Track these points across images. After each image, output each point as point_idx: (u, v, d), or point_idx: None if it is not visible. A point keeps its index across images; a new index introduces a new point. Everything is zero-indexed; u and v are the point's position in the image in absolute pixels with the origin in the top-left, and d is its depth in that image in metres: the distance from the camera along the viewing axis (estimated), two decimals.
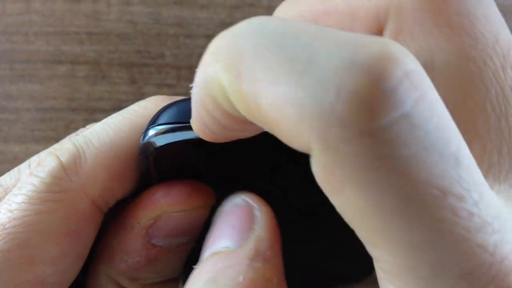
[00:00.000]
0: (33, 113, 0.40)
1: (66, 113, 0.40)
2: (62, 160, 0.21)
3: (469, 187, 0.13)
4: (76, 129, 0.40)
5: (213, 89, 0.15)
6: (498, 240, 0.13)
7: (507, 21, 0.17)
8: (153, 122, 0.20)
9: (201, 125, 0.17)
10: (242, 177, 0.23)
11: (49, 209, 0.20)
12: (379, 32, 0.17)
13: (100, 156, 0.21)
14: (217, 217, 0.20)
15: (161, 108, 0.21)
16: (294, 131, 0.13)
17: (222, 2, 0.40)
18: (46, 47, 0.40)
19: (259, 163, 0.20)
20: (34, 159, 0.23)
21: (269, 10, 0.41)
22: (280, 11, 0.20)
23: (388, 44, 0.13)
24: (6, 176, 0.23)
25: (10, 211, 0.20)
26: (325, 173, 0.13)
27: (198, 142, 0.19)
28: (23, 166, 0.23)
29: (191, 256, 0.24)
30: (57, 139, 0.40)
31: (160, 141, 0.20)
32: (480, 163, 0.15)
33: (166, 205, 0.21)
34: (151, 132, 0.20)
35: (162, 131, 0.20)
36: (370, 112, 0.12)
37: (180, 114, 0.20)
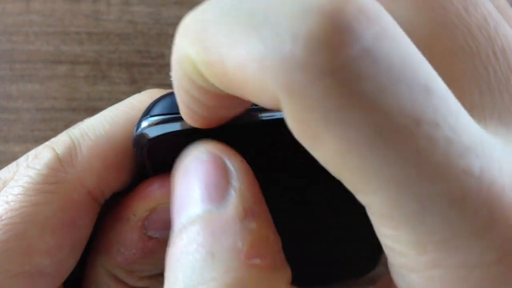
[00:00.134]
0: (33, 113, 0.40)
1: (66, 113, 0.40)
2: (58, 152, 0.21)
3: (444, 114, 0.13)
4: None
5: (186, 67, 0.16)
6: (484, 164, 0.13)
7: None
8: (146, 113, 0.20)
9: (186, 110, 0.17)
10: None
11: (46, 200, 0.20)
12: None
13: (96, 148, 0.21)
14: (178, 177, 0.18)
15: (155, 100, 0.21)
16: (260, 87, 0.13)
17: None
18: (46, 47, 0.40)
19: (255, 154, 0.20)
20: (32, 153, 0.23)
21: None
22: None
23: None
24: (5, 170, 0.23)
25: (7, 202, 0.20)
26: (297, 124, 0.13)
27: (191, 133, 0.19)
28: (21, 159, 0.23)
29: None
30: None
31: (153, 132, 0.20)
32: (462, 105, 0.14)
33: (161, 197, 0.22)
34: (144, 123, 0.20)
35: (155, 122, 0.20)
36: (328, 51, 0.12)
37: (173, 105, 0.20)
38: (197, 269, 0.15)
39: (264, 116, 0.20)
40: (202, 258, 0.16)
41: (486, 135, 0.14)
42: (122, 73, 0.41)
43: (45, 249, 0.20)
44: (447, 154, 0.13)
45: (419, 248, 0.13)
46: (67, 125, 0.39)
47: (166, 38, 0.41)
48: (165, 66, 0.41)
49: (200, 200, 0.17)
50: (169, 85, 0.41)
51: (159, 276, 0.23)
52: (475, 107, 0.15)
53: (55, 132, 0.40)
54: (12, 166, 0.23)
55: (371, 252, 0.28)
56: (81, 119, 0.40)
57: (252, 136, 0.20)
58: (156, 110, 0.20)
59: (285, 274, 0.16)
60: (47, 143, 0.22)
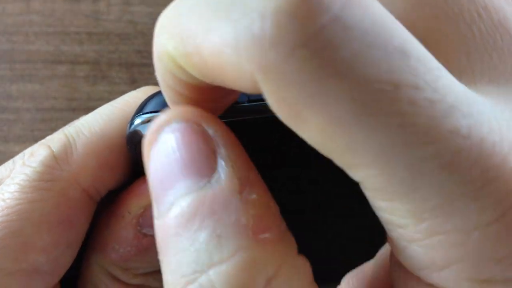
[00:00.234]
0: (33, 113, 0.40)
1: (66, 113, 0.40)
2: (54, 149, 0.21)
3: (424, 75, 0.13)
4: None
5: (166, 63, 0.16)
6: (472, 122, 0.13)
7: None
8: (139, 111, 0.20)
9: (173, 106, 0.17)
10: None
11: (41, 197, 0.20)
12: None
13: (91, 146, 0.21)
14: (154, 152, 0.16)
15: (148, 97, 0.21)
16: (238, 72, 0.13)
17: None
18: (46, 47, 0.41)
19: (250, 152, 0.20)
20: (28, 151, 0.23)
21: None
22: None
23: None
24: (1, 168, 0.23)
25: (3, 200, 0.20)
26: (279, 104, 0.13)
27: None
28: (18, 157, 0.23)
29: None
30: None
31: (146, 129, 0.20)
32: (450, 70, 0.14)
33: None
34: (137, 120, 0.20)
35: (148, 119, 0.20)
36: (297, 24, 0.12)
37: (166, 102, 0.20)
38: (203, 252, 0.14)
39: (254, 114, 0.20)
40: (207, 240, 0.14)
41: (473, 94, 0.14)
42: (122, 73, 0.41)
43: (41, 247, 0.20)
44: (431, 116, 0.12)
45: (416, 217, 0.13)
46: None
47: None
48: None
49: (187, 175, 0.15)
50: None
51: (154, 273, 0.23)
52: (464, 70, 0.15)
53: (55, 132, 0.40)
54: (8, 164, 0.23)
55: (371, 250, 0.28)
56: None
57: (247, 134, 0.20)
58: (149, 107, 0.20)
59: (293, 243, 0.16)
60: (42, 141, 0.22)
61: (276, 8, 0.12)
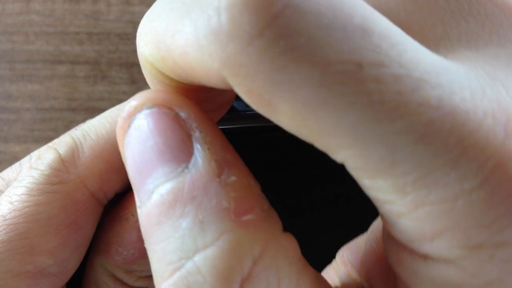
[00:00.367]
0: (33, 113, 0.40)
1: (66, 113, 0.40)
2: (61, 152, 0.21)
3: (388, 51, 0.13)
4: None
5: (148, 68, 0.16)
6: (442, 93, 0.13)
7: None
8: None
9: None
10: None
11: (49, 200, 0.20)
12: None
13: (98, 148, 0.21)
14: (128, 141, 0.16)
15: None
16: (205, 69, 0.13)
17: None
18: (46, 47, 0.40)
19: (256, 160, 0.20)
20: (35, 154, 0.23)
21: None
22: None
23: None
24: (8, 170, 0.23)
25: (11, 202, 0.20)
26: (248, 96, 0.13)
27: None
28: (25, 160, 0.23)
29: None
30: None
31: None
32: (426, 41, 0.14)
33: None
34: None
35: None
36: (251, 14, 0.12)
37: None
38: (187, 239, 0.14)
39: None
40: (190, 227, 0.14)
41: (445, 63, 0.14)
42: (122, 73, 0.41)
43: (48, 249, 0.20)
44: (398, 91, 0.12)
45: (399, 191, 0.13)
46: (67, 125, 0.39)
47: None
48: None
49: (164, 162, 0.15)
50: None
51: None
52: (441, 38, 0.15)
53: (55, 132, 0.40)
54: (15, 167, 0.23)
55: None
56: (81, 119, 0.40)
57: (254, 142, 0.20)
58: None
59: (277, 221, 0.16)
60: (49, 144, 0.22)
61: (230, 2, 0.13)
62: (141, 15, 0.41)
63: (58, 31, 0.41)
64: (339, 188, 0.24)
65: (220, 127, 0.19)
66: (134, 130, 0.16)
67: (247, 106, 0.21)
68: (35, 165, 0.21)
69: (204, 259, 0.14)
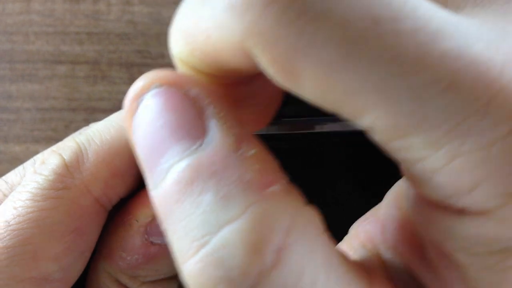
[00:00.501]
0: (33, 113, 0.40)
1: (66, 113, 0.40)
2: (65, 158, 0.21)
3: (401, 7, 0.13)
4: (76, 129, 0.40)
5: (182, 67, 0.16)
6: (461, 44, 0.13)
7: None
8: None
9: None
10: None
11: (53, 205, 0.20)
12: None
13: (102, 154, 0.21)
14: (138, 123, 0.15)
15: None
16: (229, 48, 0.14)
17: None
18: (46, 47, 0.40)
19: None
20: (38, 157, 0.23)
21: None
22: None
23: None
24: (12, 173, 0.23)
25: (15, 208, 0.20)
26: (272, 67, 0.13)
27: None
28: (28, 163, 0.23)
29: None
30: (57, 139, 0.40)
31: None
32: (435, 1, 0.14)
33: None
34: None
35: None
36: None
37: None
38: (211, 214, 0.14)
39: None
40: (212, 202, 0.14)
41: (458, 17, 0.14)
42: (122, 73, 0.41)
43: (52, 255, 0.20)
44: (419, 43, 0.13)
45: (432, 145, 0.13)
46: (67, 125, 0.39)
47: (166, 38, 0.41)
48: (165, 66, 0.41)
49: (178, 140, 0.15)
50: None
51: (162, 281, 0.23)
52: None
53: (55, 132, 0.40)
54: (18, 170, 0.23)
55: None
56: (81, 119, 0.40)
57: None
58: None
59: (299, 194, 0.15)
60: (53, 148, 0.22)
61: None
62: (141, 15, 0.41)
63: (58, 31, 0.41)
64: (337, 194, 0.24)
65: None
66: (143, 110, 0.15)
67: None
68: (39, 170, 0.21)
69: (232, 232, 0.14)
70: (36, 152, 0.23)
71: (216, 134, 0.15)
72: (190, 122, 0.15)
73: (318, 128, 0.23)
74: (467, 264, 0.15)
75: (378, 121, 0.13)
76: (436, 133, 0.13)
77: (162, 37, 0.41)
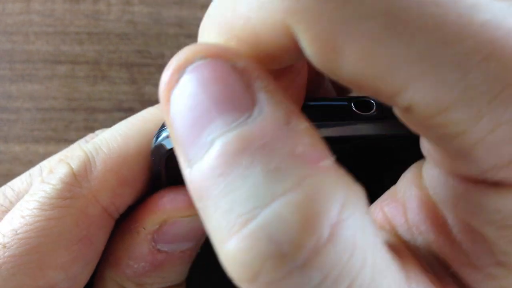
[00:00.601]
0: (33, 113, 0.40)
1: (66, 113, 0.40)
2: (73, 167, 0.21)
3: None
4: (76, 129, 0.40)
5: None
6: (498, 16, 0.13)
7: None
8: None
9: None
10: None
11: (60, 215, 0.20)
12: None
13: (110, 162, 0.21)
14: (172, 99, 0.15)
15: None
16: (269, 28, 0.14)
17: None
18: (46, 47, 0.40)
19: None
20: (45, 164, 0.23)
21: None
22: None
23: None
24: (17, 180, 0.23)
25: (22, 216, 0.20)
26: (314, 45, 0.13)
27: None
28: (35, 170, 0.23)
29: (196, 262, 0.24)
30: (57, 139, 0.40)
31: (172, 143, 0.20)
32: None
33: (171, 210, 0.22)
34: (164, 133, 0.20)
35: None
36: None
37: None
38: (262, 187, 0.13)
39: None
40: (263, 174, 0.13)
41: None
42: (122, 73, 0.41)
43: (59, 264, 0.20)
44: (459, 13, 0.13)
45: (474, 117, 0.13)
46: (67, 125, 0.39)
47: (166, 38, 0.41)
48: (165, 66, 0.41)
49: (224, 112, 0.14)
50: None
51: None
52: None
53: (55, 132, 0.40)
54: (25, 177, 0.23)
55: None
56: (81, 119, 0.40)
57: None
58: None
59: (345, 171, 0.15)
60: (61, 157, 0.22)
61: None
62: (141, 15, 0.41)
63: (58, 31, 0.40)
64: None
65: None
66: (185, 83, 0.14)
67: None
68: (47, 179, 0.21)
69: (285, 205, 0.13)
70: (36, 152, 0.23)
71: (266, 106, 0.14)
72: (238, 94, 0.14)
73: None
74: (496, 238, 0.15)
75: (420, 95, 0.13)
76: (478, 103, 0.13)
77: (162, 37, 0.41)
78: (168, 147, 0.20)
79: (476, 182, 0.15)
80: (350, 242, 0.13)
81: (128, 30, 0.41)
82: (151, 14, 0.41)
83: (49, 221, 0.20)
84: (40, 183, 0.21)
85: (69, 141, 0.40)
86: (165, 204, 0.22)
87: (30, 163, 0.39)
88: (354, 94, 0.25)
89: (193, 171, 0.14)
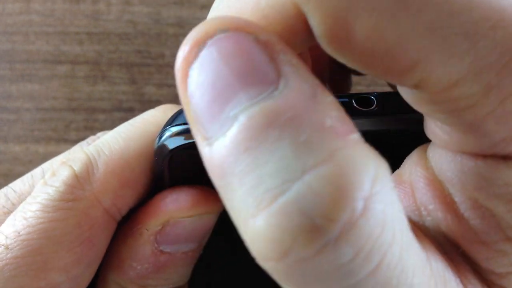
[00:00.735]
0: (33, 113, 0.40)
1: (66, 113, 0.40)
2: (75, 169, 0.21)
3: None
4: (76, 129, 0.40)
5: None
6: None
7: None
8: (169, 123, 0.20)
9: None
10: None
11: (63, 217, 0.20)
12: None
13: (111, 164, 0.21)
14: (191, 73, 0.14)
15: (178, 111, 0.21)
16: (279, 9, 0.14)
17: None
18: (46, 47, 0.40)
19: None
20: (47, 166, 0.23)
21: None
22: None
23: None
24: (19, 181, 0.23)
25: (25, 218, 0.20)
26: (324, 23, 0.13)
27: None
28: (37, 172, 0.23)
29: (199, 263, 0.24)
30: (57, 139, 0.40)
31: (174, 143, 0.20)
32: None
33: (173, 211, 0.22)
34: (166, 133, 0.20)
35: (177, 132, 0.20)
36: None
37: None
38: (291, 160, 0.13)
39: None
40: (292, 147, 0.13)
41: None
42: (122, 73, 0.41)
43: (61, 266, 0.20)
44: None
45: (484, 88, 0.13)
46: (67, 125, 0.39)
47: (166, 38, 0.41)
48: (165, 66, 0.41)
49: (248, 86, 0.14)
50: (169, 85, 0.41)
51: None
52: None
53: (55, 132, 0.40)
54: (27, 178, 0.23)
55: None
56: (81, 119, 0.40)
57: None
58: (179, 121, 0.20)
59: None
60: (63, 159, 0.22)
61: None
62: (141, 15, 0.41)
63: (58, 31, 0.40)
64: None
65: None
66: (205, 57, 0.14)
67: None
68: (50, 182, 0.21)
69: (318, 178, 0.13)
70: (36, 152, 0.23)
71: (292, 79, 0.14)
72: (262, 67, 0.14)
73: None
74: (504, 212, 0.15)
75: (431, 68, 0.13)
76: (488, 74, 0.13)
77: (162, 37, 0.41)
78: (171, 147, 0.20)
79: (485, 157, 0.15)
80: (381, 217, 0.13)
81: (128, 30, 0.41)
82: (151, 14, 0.41)
83: (52, 223, 0.20)
84: (43, 185, 0.21)
85: (69, 141, 0.40)
86: (168, 204, 0.22)
87: (30, 163, 0.39)
88: (355, 92, 0.25)
89: (214, 147, 0.14)
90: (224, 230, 0.23)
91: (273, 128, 0.13)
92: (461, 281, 0.16)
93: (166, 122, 0.21)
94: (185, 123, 0.20)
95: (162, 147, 0.21)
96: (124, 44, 0.41)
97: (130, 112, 0.40)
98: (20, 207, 0.21)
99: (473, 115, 0.14)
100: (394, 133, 0.20)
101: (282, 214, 0.13)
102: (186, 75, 0.14)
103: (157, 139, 0.21)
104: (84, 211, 0.21)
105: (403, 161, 0.20)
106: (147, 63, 0.41)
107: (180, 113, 0.21)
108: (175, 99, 0.40)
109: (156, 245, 0.22)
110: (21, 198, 0.22)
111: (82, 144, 0.23)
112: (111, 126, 0.23)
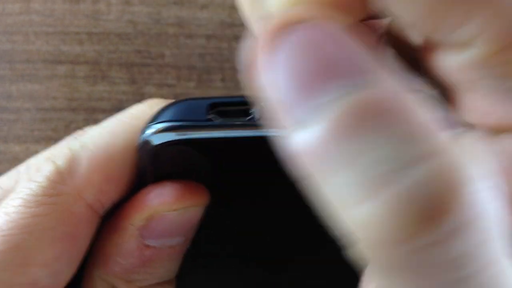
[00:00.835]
0: (33, 113, 0.40)
1: (66, 113, 0.40)
2: (58, 164, 0.21)
3: None
4: (76, 129, 0.40)
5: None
6: None
7: None
8: (153, 120, 0.20)
9: None
10: (244, 181, 0.23)
11: (45, 212, 0.20)
12: None
13: (95, 159, 0.21)
14: (274, 60, 0.14)
15: (162, 107, 0.21)
16: None
17: (222, 2, 0.40)
18: (46, 47, 0.40)
19: (265, 171, 0.20)
20: (32, 163, 0.23)
21: None
22: None
23: None
24: (5, 177, 0.23)
25: (7, 214, 0.20)
26: None
27: (196, 142, 0.19)
28: (22, 168, 0.23)
29: (186, 257, 0.24)
30: (57, 139, 0.40)
31: (158, 139, 0.20)
32: None
33: (158, 205, 0.22)
34: (149, 130, 0.20)
35: (160, 129, 0.20)
36: None
37: (180, 113, 0.20)
38: (406, 146, 0.12)
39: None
40: (399, 140, 0.13)
41: None
42: (122, 73, 0.41)
43: (43, 261, 0.20)
44: None
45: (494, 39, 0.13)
46: (67, 125, 0.39)
47: (166, 38, 0.41)
48: (165, 66, 0.41)
49: (344, 74, 0.13)
50: (169, 85, 0.41)
51: (158, 285, 0.23)
52: None
53: (55, 132, 0.40)
54: (12, 174, 0.23)
55: None
56: (81, 119, 0.40)
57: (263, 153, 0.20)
58: (163, 117, 0.20)
59: None
60: (48, 155, 0.22)
61: None
62: (141, 15, 0.41)
63: (58, 31, 0.41)
64: None
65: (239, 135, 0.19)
66: (292, 44, 0.13)
67: None
68: (33, 177, 0.21)
69: (433, 167, 0.12)
70: (36, 152, 0.23)
71: (386, 71, 0.13)
72: (356, 57, 0.13)
73: None
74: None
75: (484, 26, 0.13)
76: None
77: (162, 37, 0.41)
78: (155, 143, 0.20)
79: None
80: (493, 212, 0.13)
81: (128, 30, 0.41)
82: (151, 14, 0.41)
83: (34, 218, 0.20)
84: (26, 181, 0.21)
85: None
86: (152, 199, 0.22)
87: None
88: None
89: (305, 133, 0.13)
90: (211, 224, 0.23)
91: (376, 117, 0.13)
92: None
93: (150, 118, 0.21)
94: (169, 120, 0.20)
95: (146, 143, 0.20)
96: (124, 44, 0.41)
97: None
98: (3, 203, 0.21)
99: (483, 64, 0.14)
100: None
101: (400, 201, 0.12)
102: (270, 61, 0.14)
103: (140, 135, 0.21)
104: (66, 206, 0.20)
105: None
106: (147, 63, 0.41)
107: (164, 109, 0.21)
108: (175, 99, 0.40)
109: (141, 239, 0.22)
110: (5, 194, 0.22)
111: (69, 139, 0.23)
112: None
